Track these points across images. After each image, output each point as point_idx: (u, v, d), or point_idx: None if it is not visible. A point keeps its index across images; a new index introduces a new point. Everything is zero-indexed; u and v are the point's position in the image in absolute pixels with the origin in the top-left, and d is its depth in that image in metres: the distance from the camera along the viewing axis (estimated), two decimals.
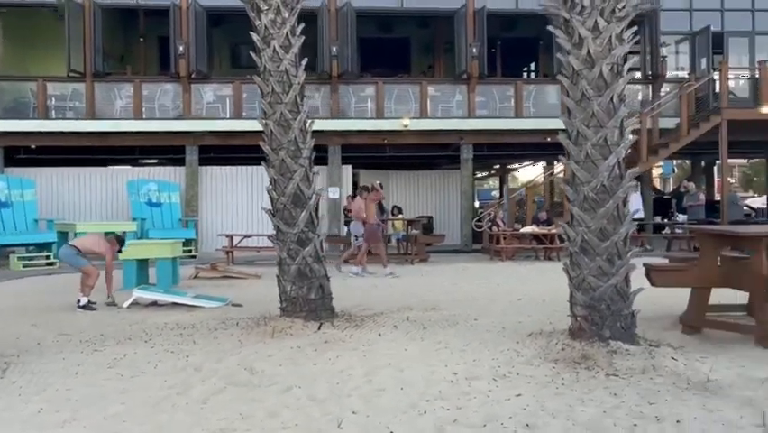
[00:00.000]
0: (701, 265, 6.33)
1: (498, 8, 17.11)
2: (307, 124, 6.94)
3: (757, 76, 16.51)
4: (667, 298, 7.18)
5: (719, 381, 4.86)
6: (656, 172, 41.98)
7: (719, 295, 6.65)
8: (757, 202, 26.67)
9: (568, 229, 5.70)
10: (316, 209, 6.97)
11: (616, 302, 5.51)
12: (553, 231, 14.82)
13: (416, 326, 6.81)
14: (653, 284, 6.36)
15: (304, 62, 6.95)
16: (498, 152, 19.74)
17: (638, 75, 18.15)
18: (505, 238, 15.21)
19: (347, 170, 17.82)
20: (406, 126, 16.93)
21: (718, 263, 6.40)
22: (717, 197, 21.55)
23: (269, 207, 6.96)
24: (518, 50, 20.27)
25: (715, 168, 30.40)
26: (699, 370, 5.09)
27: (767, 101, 16.09)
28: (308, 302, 6.70)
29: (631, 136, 5.61)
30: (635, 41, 5.61)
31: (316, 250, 6.81)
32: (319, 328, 6.42)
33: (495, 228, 15.85)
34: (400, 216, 17.28)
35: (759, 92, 16.29)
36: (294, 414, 4.25)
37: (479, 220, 17.24)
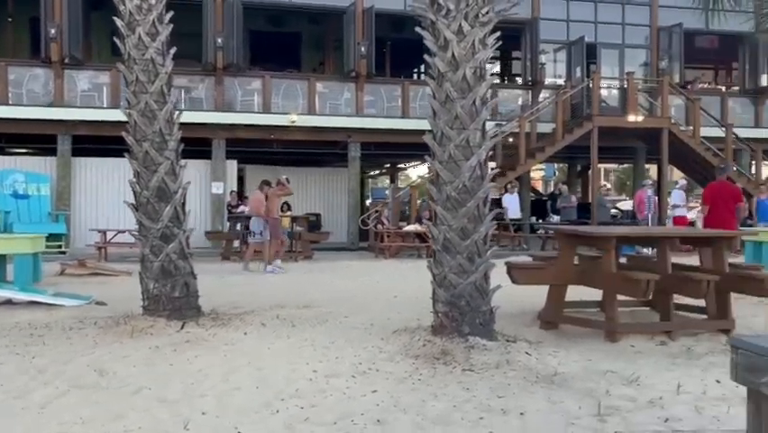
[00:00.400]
0: (559, 264, 6.65)
1: (387, 8, 17.28)
2: (175, 116, 6.70)
3: (625, 86, 17.59)
4: (532, 295, 7.50)
5: (566, 373, 5.11)
6: (539, 175, 44.00)
7: (583, 292, 7.01)
8: (627, 204, 28.42)
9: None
10: (183, 204, 6.73)
11: (475, 299, 5.68)
12: None
13: (285, 324, 6.73)
14: (514, 282, 6.61)
15: (172, 51, 6.71)
16: (387, 151, 19.97)
17: (519, 81, 18.92)
18: (389, 236, 15.39)
19: (232, 164, 17.45)
20: (293, 122, 16.79)
21: (575, 262, 6.74)
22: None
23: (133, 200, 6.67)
24: (408, 50, 20.46)
25: (590, 171, 32.18)
26: (548, 364, 5.33)
27: (633, 110, 17.19)
28: (172, 301, 6.47)
29: (492, 138, 5.78)
30: (496, 46, 5.79)
31: (182, 246, 6.58)
32: (182, 328, 6.22)
33: (380, 226, 16.01)
34: (289, 212, 17.11)
35: (627, 101, 17.37)
36: (140, 416, 4.07)
37: (365, 218, 17.36)
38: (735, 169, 17.50)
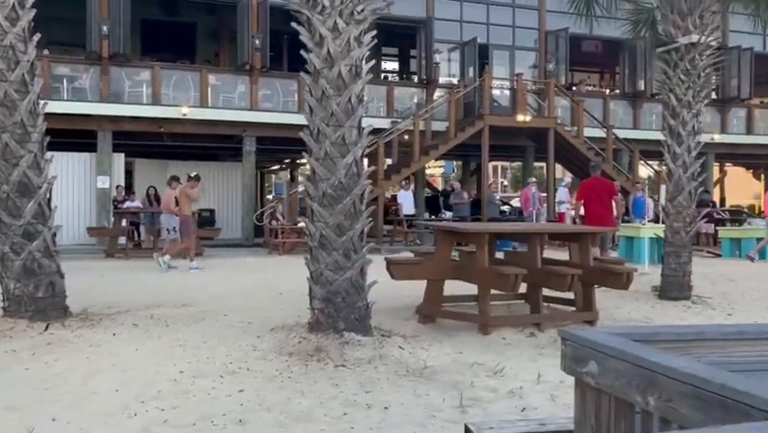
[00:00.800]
0: (436, 259, 6.80)
1: (281, 1, 17.05)
2: (39, 106, 6.33)
3: (515, 87, 18.21)
4: (418, 289, 7.62)
5: (435, 367, 5.24)
6: (439, 172, 44.90)
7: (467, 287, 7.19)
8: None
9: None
10: (49, 200, 6.38)
11: (351, 295, 5.72)
12: None
13: (158, 324, 6.52)
14: (393, 277, 6.70)
15: (36, 38, 6.33)
16: (284, 146, 19.75)
17: (415, 79, 19.21)
18: (283, 232, 15.24)
19: (119, 158, 16.72)
20: (184, 115, 16.28)
21: (456, 258, 6.91)
22: None
23: None
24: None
25: (478, 169, 33.10)
26: (420, 357, 5.45)
27: (522, 110, 17.83)
28: (35, 301, 6.13)
29: (369, 137, 5.82)
30: (372, 43, 5.83)
31: (47, 244, 6.25)
32: (45, 329, 5.90)
33: (274, 222, 15.83)
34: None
35: (516, 102, 17.99)
36: None
37: (260, 214, 17.11)
38: (614, 167, 18.51)
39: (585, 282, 6.79)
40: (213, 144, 19.12)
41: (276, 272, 11.62)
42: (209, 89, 17.01)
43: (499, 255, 7.87)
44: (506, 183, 55.13)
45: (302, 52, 5.80)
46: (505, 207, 22.73)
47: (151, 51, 18.60)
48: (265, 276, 11.11)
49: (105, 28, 15.48)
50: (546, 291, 6.91)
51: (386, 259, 6.75)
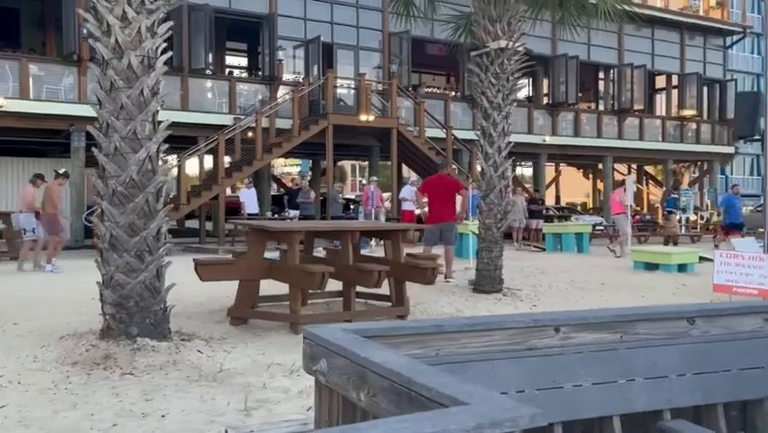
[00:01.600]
0: (248, 259, 6.65)
1: None
2: None
3: (359, 87, 18.40)
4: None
5: (231, 369, 5.10)
6: (295, 170, 44.61)
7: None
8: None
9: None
10: None
11: (146, 299, 5.44)
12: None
13: None
14: (201, 279, 6.47)
15: None
16: None
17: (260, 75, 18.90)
18: None
19: None
20: (1, 107, 14.95)
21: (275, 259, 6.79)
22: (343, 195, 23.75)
23: None
24: None
25: (335, 167, 33.25)
26: (218, 361, 5.28)
27: (366, 110, 18.05)
28: None
29: (165, 131, 5.56)
30: (168, 35, 5.58)
31: None
32: None
33: None
34: None
35: (360, 101, 18.18)
36: None
37: (89, 214, 16.05)
38: (454, 167, 19.20)
39: (397, 278, 6.93)
40: (39, 139, 17.73)
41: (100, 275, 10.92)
42: (30, 80, 15.73)
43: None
44: (364, 182, 55.86)
45: (89, 41, 5.43)
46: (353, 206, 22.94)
47: None
48: (87, 279, 10.37)
49: None
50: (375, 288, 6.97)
51: (194, 260, 6.50)
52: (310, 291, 7.21)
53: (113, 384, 4.65)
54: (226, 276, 6.57)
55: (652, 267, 10.97)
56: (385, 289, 7.09)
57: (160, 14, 5.45)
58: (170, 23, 5.58)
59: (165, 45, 5.61)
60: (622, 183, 22.86)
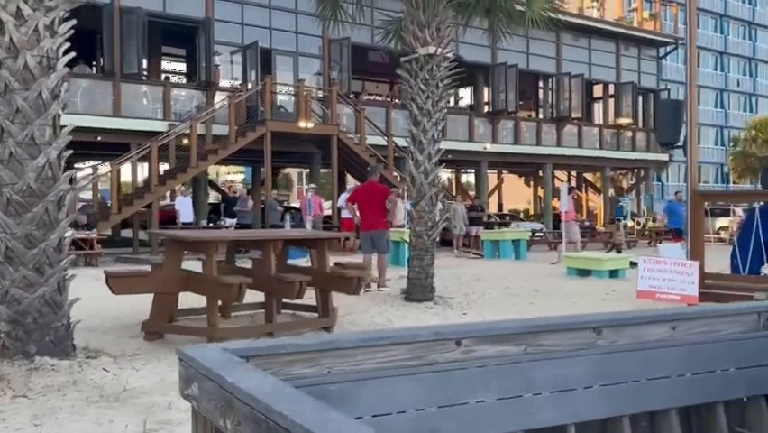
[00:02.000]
0: (164, 270, 6.35)
1: None
2: None
3: (298, 93, 18.16)
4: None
5: (137, 388, 4.80)
6: (239, 177, 43.93)
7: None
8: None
9: None
10: None
11: (45, 315, 5.09)
12: (93, 236, 14.00)
13: None
14: (113, 292, 6.14)
15: None
16: None
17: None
18: None
19: None
20: None
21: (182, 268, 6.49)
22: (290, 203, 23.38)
23: None
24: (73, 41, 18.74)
25: (278, 175, 32.90)
26: (124, 379, 4.97)
27: (305, 117, 17.82)
28: None
29: (68, 137, 5.24)
30: (69, 34, 5.27)
31: None
32: None
33: None
34: None
35: (299, 108, 17.94)
36: None
37: None
38: (395, 174, 19.12)
39: (323, 289, 6.73)
40: None
41: None
42: None
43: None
44: (309, 188, 55.39)
45: None
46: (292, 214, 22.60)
47: None
48: None
49: None
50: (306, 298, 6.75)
51: (104, 272, 6.16)
52: (234, 303, 6.95)
53: (0, 408, 4.31)
54: (141, 289, 6.24)
55: (584, 273, 11.06)
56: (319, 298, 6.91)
57: (60, 12, 5.14)
58: (73, 22, 5.27)
59: (68, 45, 5.29)
60: (571, 190, 23.29)
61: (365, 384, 2.77)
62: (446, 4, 8.42)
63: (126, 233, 19.84)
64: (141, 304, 7.24)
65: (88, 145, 17.28)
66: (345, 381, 2.74)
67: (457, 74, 8.53)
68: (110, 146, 16.87)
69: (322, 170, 21.44)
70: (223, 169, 41.05)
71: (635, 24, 27.36)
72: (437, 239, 8.71)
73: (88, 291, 6.95)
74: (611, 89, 26.90)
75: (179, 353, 2.69)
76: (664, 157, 27.29)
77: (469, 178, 33.28)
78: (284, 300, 7.12)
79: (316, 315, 7.03)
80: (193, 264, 7.28)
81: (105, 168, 17.00)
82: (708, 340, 3.66)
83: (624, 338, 3.45)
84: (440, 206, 18.01)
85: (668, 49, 28.56)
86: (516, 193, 33.58)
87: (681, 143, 7.55)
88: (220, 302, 6.48)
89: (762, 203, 7.46)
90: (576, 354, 3.28)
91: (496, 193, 30.48)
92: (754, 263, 7.13)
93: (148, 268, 7.15)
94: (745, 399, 3.61)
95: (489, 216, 22.40)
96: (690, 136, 7.48)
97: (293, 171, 44.53)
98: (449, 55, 8.37)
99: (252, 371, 2.33)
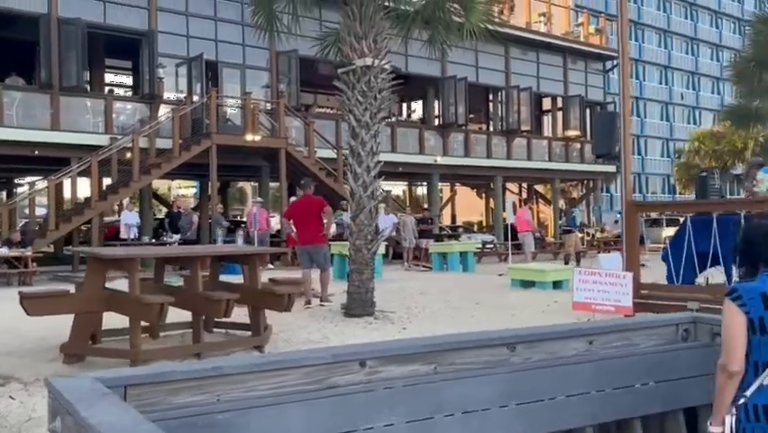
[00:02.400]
0: (85, 290, 6.07)
1: None
2: None
3: (244, 106, 17.90)
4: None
5: (43, 417, 4.50)
6: (191, 192, 43.15)
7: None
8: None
9: None
10: None
11: None
12: (28, 254, 13.48)
13: None
14: (28, 313, 5.83)
15: None
16: None
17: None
18: None
19: None
20: None
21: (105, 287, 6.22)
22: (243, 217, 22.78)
23: None
24: (8, 52, 18.10)
25: (230, 189, 32.45)
26: (30, 407, 4.70)
27: (252, 129, 17.56)
28: None
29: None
30: None
31: None
32: None
33: None
34: None
35: (246, 121, 17.67)
36: None
37: None
38: (346, 186, 18.94)
39: (254, 306, 6.52)
40: None
41: None
42: None
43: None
44: (262, 201, 54.72)
45: None
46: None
47: None
48: None
49: None
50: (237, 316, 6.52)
51: (19, 293, 5.85)
52: (163, 323, 6.69)
53: None
54: (59, 310, 5.94)
55: (528, 284, 11.07)
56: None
57: None
58: None
59: None
60: (527, 202, 23.46)
61: (257, 412, 2.60)
62: (384, 15, 8.35)
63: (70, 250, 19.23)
64: (68, 324, 6.92)
65: (26, 160, 16.73)
66: (235, 408, 2.57)
67: (396, 85, 8.45)
68: (49, 161, 16.33)
69: (271, 184, 21.16)
70: (175, 183, 40.24)
71: (581, 39, 27.86)
72: (387, 254, 8.61)
73: (12, 311, 6.61)
74: (559, 102, 27.29)
75: (47, 383, 2.48)
76: (612, 169, 27.76)
77: (423, 190, 33.34)
78: (217, 319, 6.89)
79: (249, 333, 6.82)
80: (123, 284, 7.01)
81: (43, 183, 16.44)
82: (625, 354, 3.59)
83: (539, 354, 3.35)
84: (394, 218, 18.07)
85: (614, 63, 29.14)
86: (469, 205, 33.73)
87: (615, 155, 7.58)
88: (145, 322, 6.22)
89: (692, 214, 7.54)
90: (489, 372, 3.16)
91: (449, 205, 30.57)
92: (687, 273, 7.18)
93: (70, 288, 6.84)
94: (663, 413, 3.55)
95: (441, 229, 22.41)
96: (624, 148, 7.53)
97: (247, 185, 43.95)
98: (386, 66, 8.30)
99: (115, 404, 2.15)
